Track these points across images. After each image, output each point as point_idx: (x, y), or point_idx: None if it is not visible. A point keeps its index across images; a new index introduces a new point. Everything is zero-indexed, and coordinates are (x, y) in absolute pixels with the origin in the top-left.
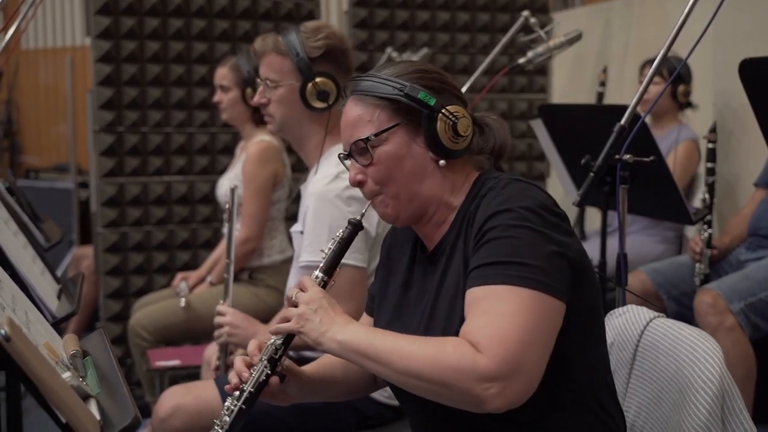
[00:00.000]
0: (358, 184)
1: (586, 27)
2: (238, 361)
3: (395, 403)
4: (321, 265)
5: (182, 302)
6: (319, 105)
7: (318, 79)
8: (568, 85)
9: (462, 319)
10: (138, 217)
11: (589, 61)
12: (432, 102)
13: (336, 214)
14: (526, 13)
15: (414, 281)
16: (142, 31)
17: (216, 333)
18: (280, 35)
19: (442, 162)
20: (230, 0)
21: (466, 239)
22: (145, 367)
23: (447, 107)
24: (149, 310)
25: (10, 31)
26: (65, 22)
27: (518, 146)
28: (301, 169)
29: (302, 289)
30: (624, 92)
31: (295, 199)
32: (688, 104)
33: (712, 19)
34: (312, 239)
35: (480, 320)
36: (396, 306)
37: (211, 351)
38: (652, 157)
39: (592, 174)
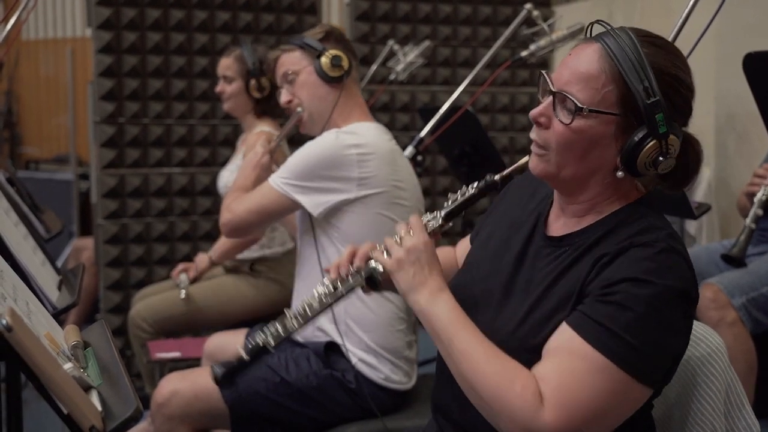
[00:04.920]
0: (537, 124)
1: (589, 20)
2: (344, 260)
3: (393, 386)
4: (445, 207)
5: (182, 294)
6: (336, 73)
7: (328, 52)
8: None
9: (549, 334)
10: (138, 209)
11: None
12: (662, 130)
13: (331, 141)
14: (528, 5)
15: (526, 261)
16: (143, 22)
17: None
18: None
19: (620, 173)
20: None
21: (594, 265)
22: (146, 359)
23: (670, 138)
24: (149, 302)
25: (11, 22)
26: (66, 12)
27: (519, 140)
28: None
29: (410, 228)
30: None
31: None
32: None
33: (716, 13)
34: (289, 161)
35: (563, 377)
36: (493, 257)
37: (213, 343)
38: None
39: None
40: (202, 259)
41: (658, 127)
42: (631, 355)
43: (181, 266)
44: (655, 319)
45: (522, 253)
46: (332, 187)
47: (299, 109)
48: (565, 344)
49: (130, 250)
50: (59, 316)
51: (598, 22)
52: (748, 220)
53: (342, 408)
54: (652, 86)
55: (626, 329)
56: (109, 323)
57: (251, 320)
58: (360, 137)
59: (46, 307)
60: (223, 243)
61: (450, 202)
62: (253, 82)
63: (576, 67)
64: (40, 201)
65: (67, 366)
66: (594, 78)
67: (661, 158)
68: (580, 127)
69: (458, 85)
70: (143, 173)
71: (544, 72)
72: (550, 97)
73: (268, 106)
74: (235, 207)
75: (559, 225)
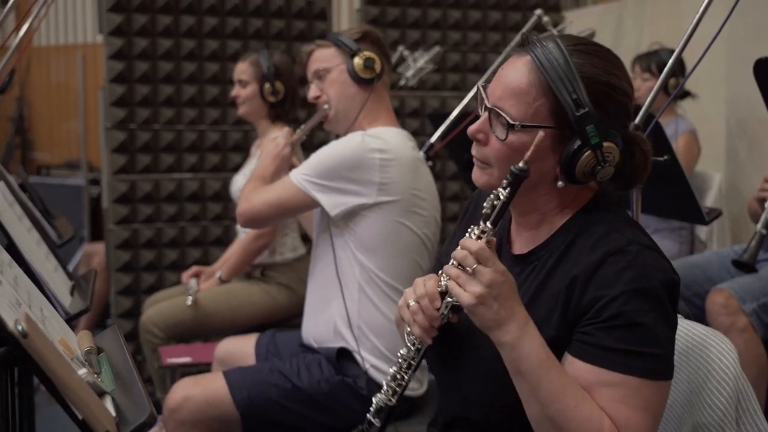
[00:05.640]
0: (476, 140)
1: (599, 25)
2: (418, 324)
3: (408, 393)
4: (486, 217)
5: (189, 300)
6: (368, 75)
7: (362, 53)
8: None
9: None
10: (149, 214)
11: None
12: (594, 141)
13: (356, 142)
14: (538, 11)
15: None
16: (154, 29)
17: None
18: None
19: (560, 183)
20: None
21: (572, 283)
22: (157, 364)
23: (604, 145)
24: (160, 307)
25: (23, 30)
26: (77, 19)
27: None
28: None
29: (479, 260)
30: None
31: None
32: (686, 94)
33: (728, 17)
34: (312, 158)
35: (618, 409)
36: None
37: (223, 348)
38: (665, 157)
39: None
40: (209, 285)
41: (590, 138)
42: (655, 363)
43: (193, 269)
44: (658, 320)
45: None
46: (352, 189)
47: (326, 106)
48: (597, 380)
49: (140, 256)
50: (71, 321)
51: (530, 32)
52: (759, 226)
53: (353, 414)
54: (581, 97)
55: (640, 343)
56: (119, 328)
57: (262, 326)
58: (385, 142)
59: (59, 313)
60: (232, 261)
61: (490, 210)
62: (267, 86)
63: (507, 82)
64: (51, 206)
65: (82, 371)
66: (524, 92)
67: (599, 167)
68: (515, 143)
69: (468, 90)
70: (154, 179)
71: (481, 85)
72: (487, 113)
73: (282, 111)
74: (253, 198)
75: (520, 242)
